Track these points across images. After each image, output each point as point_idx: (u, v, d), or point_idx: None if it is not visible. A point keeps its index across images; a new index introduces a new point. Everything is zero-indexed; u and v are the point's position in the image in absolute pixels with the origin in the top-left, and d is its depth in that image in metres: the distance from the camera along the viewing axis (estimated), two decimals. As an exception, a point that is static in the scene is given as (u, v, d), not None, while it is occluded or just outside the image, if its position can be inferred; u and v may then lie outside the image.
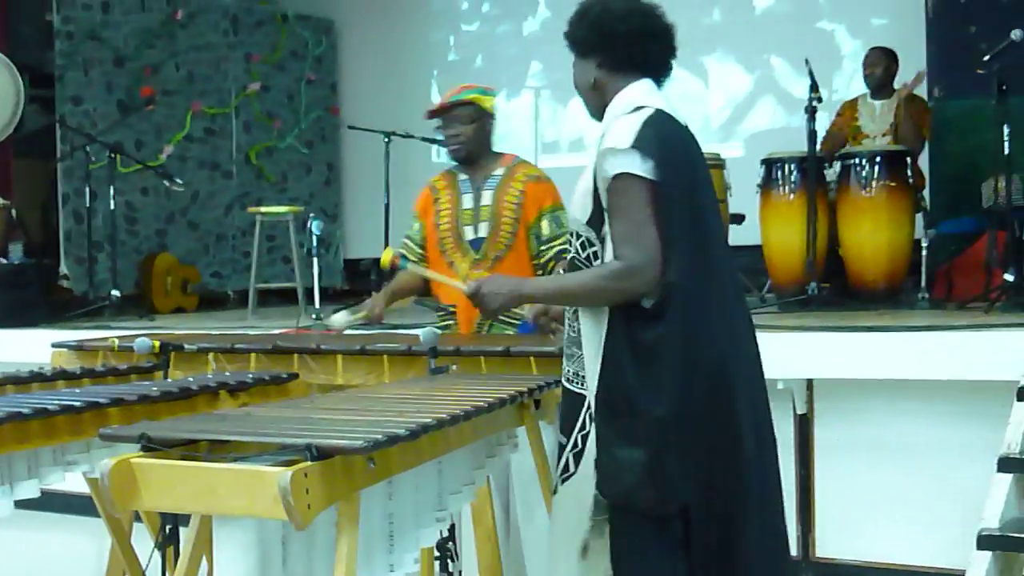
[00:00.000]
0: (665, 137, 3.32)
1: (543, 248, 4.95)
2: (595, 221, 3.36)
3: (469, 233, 5.01)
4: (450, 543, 4.18)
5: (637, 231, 3.24)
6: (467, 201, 5.04)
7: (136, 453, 2.85)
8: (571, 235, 3.45)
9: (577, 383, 3.40)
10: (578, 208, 3.42)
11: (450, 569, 4.20)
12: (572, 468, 3.42)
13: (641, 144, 3.28)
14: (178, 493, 2.72)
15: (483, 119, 5.02)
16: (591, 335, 3.36)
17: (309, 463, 2.64)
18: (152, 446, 2.86)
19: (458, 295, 4.94)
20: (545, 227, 4.95)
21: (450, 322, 5.02)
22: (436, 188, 5.17)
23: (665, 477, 3.25)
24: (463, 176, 5.09)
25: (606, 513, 3.33)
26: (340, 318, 5.08)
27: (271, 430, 2.98)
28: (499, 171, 5.04)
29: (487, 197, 5.00)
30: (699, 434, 3.25)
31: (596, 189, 3.34)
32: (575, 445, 3.41)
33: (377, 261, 8.21)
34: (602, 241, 3.34)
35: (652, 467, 3.24)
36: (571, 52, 3.59)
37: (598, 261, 3.36)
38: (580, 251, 3.41)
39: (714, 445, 3.28)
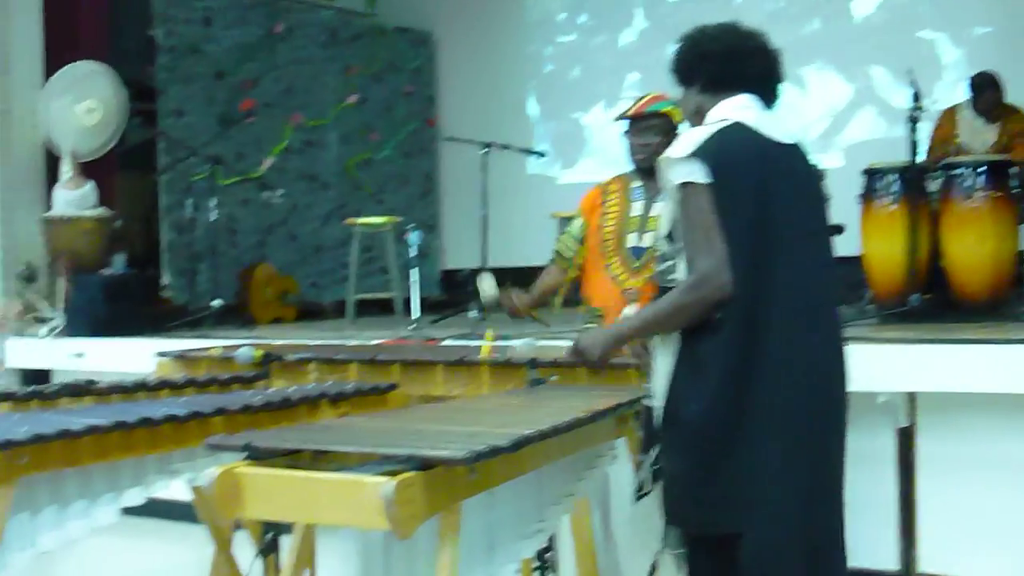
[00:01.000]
0: (729, 145, 3.30)
1: None
2: (671, 235, 3.37)
3: (632, 240, 4.93)
4: (549, 553, 4.17)
5: (704, 239, 3.23)
6: (636, 208, 4.97)
7: (241, 462, 2.88)
8: (656, 252, 3.45)
9: (653, 398, 3.40)
10: (661, 225, 3.43)
11: (548, 579, 4.20)
12: (649, 486, 3.41)
13: (699, 152, 3.27)
14: (282, 502, 2.75)
15: (673, 132, 4.89)
16: (662, 349, 3.36)
17: (412, 473, 2.66)
18: (256, 456, 2.89)
19: (606, 299, 4.93)
20: None
21: (594, 325, 4.99)
22: (607, 190, 5.09)
23: (707, 495, 3.20)
24: (636, 183, 5.01)
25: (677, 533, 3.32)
26: (488, 283, 5.01)
27: (373, 441, 3.00)
28: None
29: (658, 208, 4.82)
30: (753, 456, 3.19)
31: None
32: (655, 462, 3.41)
33: (474, 272, 8.22)
34: (678, 254, 3.34)
35: (692, 482, 3.21)
36: (679, 86, 3.60)
37: (673, 275, 3.35)
38: (658, 265, 3.42)
39: (772, 471, 3.20)
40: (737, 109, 3.41)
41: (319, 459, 2.94)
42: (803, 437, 3.22)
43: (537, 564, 4.18)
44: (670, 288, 3.34)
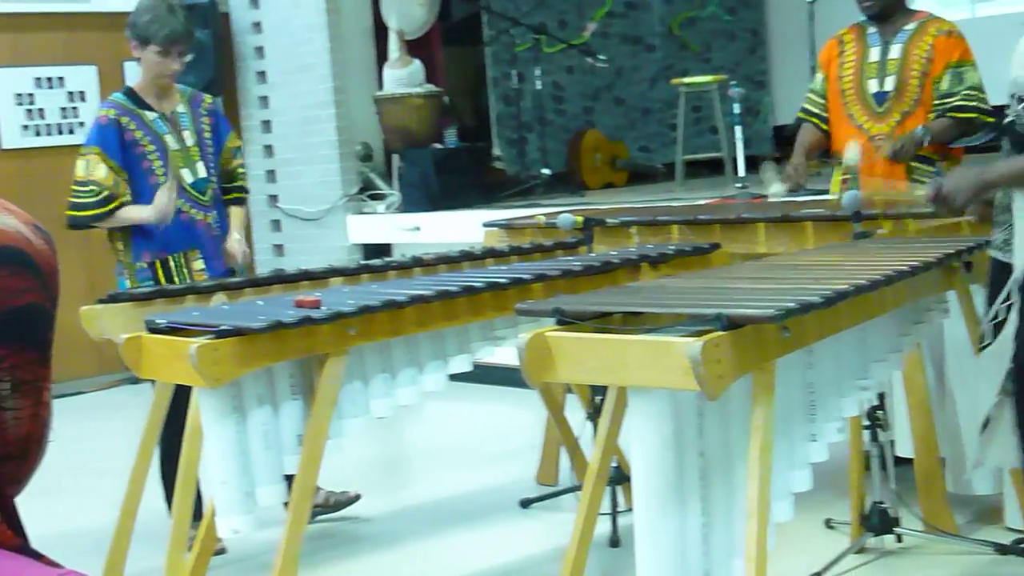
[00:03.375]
0: None
1: (937, 103, 4.82)
2: None
3: (873, 86, 4.92)
4: (880, 412, 4.05)
5: None
6: (874, 54, 4.95)
7: (551, 327, 2.89)
8: (1011, 98, 3.23)
9: (1006, 251, 3.20)
10: (1020, 66, 3.20)
11: (880, 439, 4.08)
12: (989, 338, 3.24)
13: None
14: (591, 365, 2.75)
15: None
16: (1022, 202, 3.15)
17: (720, 333, 2.60)
18: (567, 319, 2.89)
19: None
20: (945, 82, 4.81)
21: (847, 177, 4.87)
22: (843, 40, 5.10)
23: None
24: (871, 29, 5.00)
25: (1013, 386, 3.13)
26: (776, 189, 5.01)
27: (682, 301, 2.96)
28: (910, 26, 4.93)
29: (895, 51, 4.90)
30: None
31: None
32: (996, 315, 3.23)
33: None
34: None
35: None
36: None
37: None
38: (1022, 115, 3.19)
39: None
40: None
41: (630, 321, 2.92)
42: None
43: (867, 423, 4.06)
44: None
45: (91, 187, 4.73)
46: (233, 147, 5.11)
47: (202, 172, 4.91)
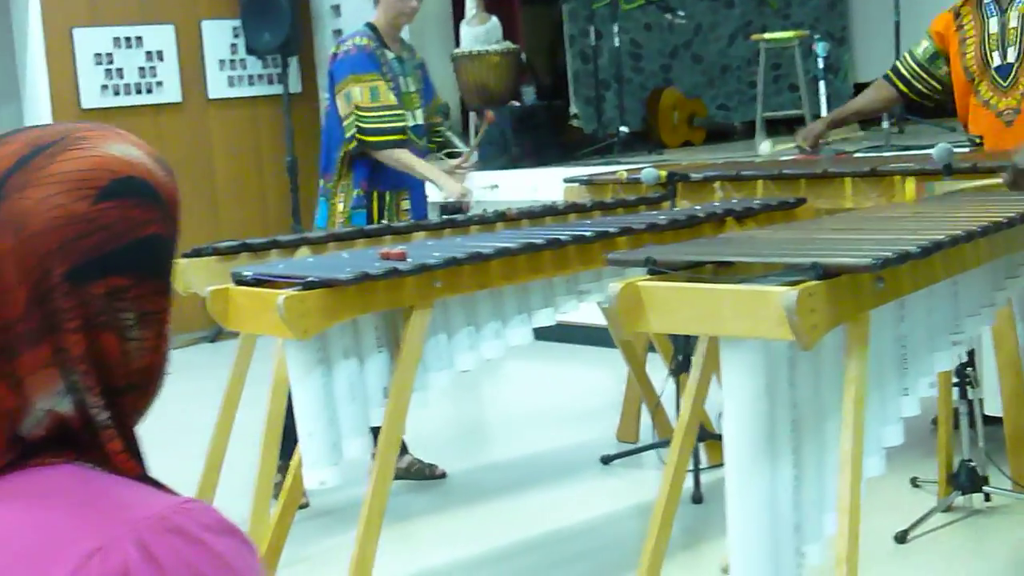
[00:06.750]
0: None
1: None
2: None
3: (996, 59, 4.64)
4: (969, 368, 3.99)
5: None
6: (992, 25, 4.67)
7: (642, 277, 2.87)
8: None
9: None
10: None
11: (969, 396, 4.02)
12: None
13: None
14: (683, 315, 2.72)
15: None
16: None
17: (814, 282, 2.57)
18: (658, 269, 2.87)
19: (982, 126, 4.70)
20: None
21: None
22: (960, 13, 4.81)
23: None
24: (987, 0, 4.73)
25: None
26: (764, 147, 4.97)
27: (775, 251, 2.93)
28: None
29: (1014, 19, 4.61)
30: None
31: None
32: None
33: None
34: None
35: None
36: None
37: None
38: None
39: None
40: None
41: (721, 272, 2.89)
42: None
43: (956, 380, 4.00)
44: None
45: (394, 111, 4.79)
46: (438, 103, 5.20)
47: (420, 118, 4.99)
